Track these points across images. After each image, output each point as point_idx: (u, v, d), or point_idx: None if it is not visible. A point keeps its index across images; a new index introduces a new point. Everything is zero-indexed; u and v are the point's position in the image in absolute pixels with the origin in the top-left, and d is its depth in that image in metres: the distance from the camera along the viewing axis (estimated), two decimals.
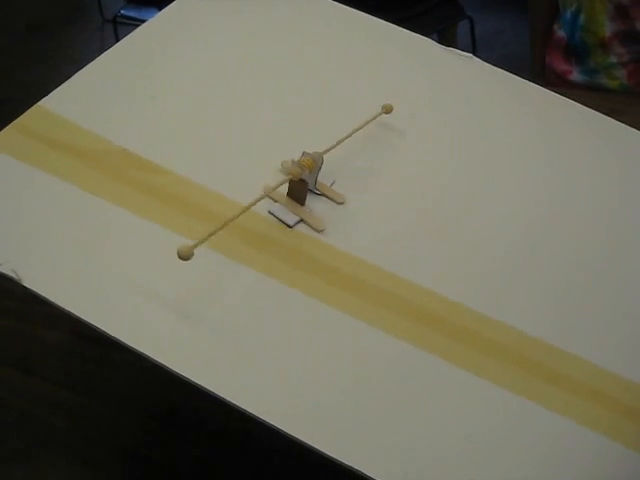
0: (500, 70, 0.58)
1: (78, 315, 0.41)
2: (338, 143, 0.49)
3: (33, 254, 0.43)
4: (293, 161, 0.47)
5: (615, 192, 0.52)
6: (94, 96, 0.52)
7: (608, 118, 0.56)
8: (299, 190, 0.48)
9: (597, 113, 0.56)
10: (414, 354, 0.42)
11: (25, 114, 0.50)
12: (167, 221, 0.46)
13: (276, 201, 0.48)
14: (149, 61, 0.55)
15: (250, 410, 0.38)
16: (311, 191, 0.48)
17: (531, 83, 0.58)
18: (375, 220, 0.49)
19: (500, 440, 0.40)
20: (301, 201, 0.48)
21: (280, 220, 0.47)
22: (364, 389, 0.41)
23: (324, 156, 0.48)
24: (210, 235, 0.41)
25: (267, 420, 0.38)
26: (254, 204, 0.44)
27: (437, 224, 0.49)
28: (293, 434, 0.38)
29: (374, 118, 0.52)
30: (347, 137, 0.50)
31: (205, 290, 0.43)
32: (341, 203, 0.48)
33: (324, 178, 0.49)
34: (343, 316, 0.43)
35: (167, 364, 0.40)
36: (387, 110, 0.53)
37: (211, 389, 0.39)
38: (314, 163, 0.47)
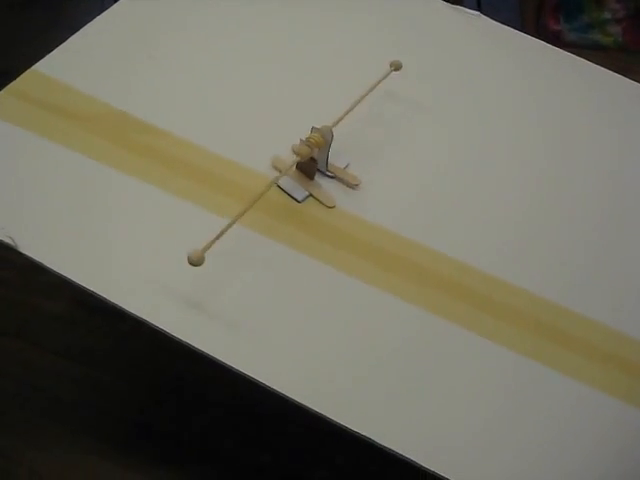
0: (507, 28, 0.57)
1: (77, 282, 0.40)
2: (346, 113, 0.47)
3: (30, 221, 0.42)
4: (301, 140, 0.44)
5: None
6: (90, 59, 0.50)
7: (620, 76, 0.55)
8: (309, 167, 0.46)
9: (608, 71, 0.55)
10: (429, 320, 0.41)
11: (20, 78, 0.48)
12: (167, 184, 0.45)
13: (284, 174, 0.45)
14: (147, 22, 0.53)
15: (262, 380, 0.37)
16: (323, 173, 0.46)
17: (541, 42, 0.56)
18: (390, 189, 0.47)
19: (517, 407, 0.39)
20: (311, 175, 0.46)
21: (289, 195, 0.45)
22: (380, 356, 0.40)
23: (334, 129, 0.45)
24: (220, 235, 0.39)
25: (279, 390, 0.37)
26: (265, 191, 0.42)
27: (452, 190, 0.47)
28: (304, 403, 0.37)
29: (384, 77, 0.50)
30: (357, 103, 0.48)
31: (211, 254, 0.42)
32: (356, 185, 0.46)
33: (337, 159, 0.46)
34: (357, 282, 0.42)
35: (173, 333, 0.39)
36: (396, 67, 0.51)
37: (218, 357, 0.38)
38: (323, 139, 0.44)
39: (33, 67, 0.49)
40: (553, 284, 0.43)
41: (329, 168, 0.46)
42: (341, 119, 0.46)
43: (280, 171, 0.45)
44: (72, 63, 0.50)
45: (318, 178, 0.46)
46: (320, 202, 0.45)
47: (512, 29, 0.57)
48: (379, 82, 0.49)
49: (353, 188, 0.46)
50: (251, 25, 0.55)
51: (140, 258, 0.42)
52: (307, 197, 0.45)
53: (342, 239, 0.44)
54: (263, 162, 0.46)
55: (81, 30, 0.51)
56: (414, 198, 0.47)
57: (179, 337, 0.38)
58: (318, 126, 0.44)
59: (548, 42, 0.57)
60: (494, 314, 0.42)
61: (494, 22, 0.57)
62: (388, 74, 0.50)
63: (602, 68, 0.55)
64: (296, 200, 0.45)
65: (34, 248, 0.41)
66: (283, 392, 0.37)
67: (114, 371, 0.54)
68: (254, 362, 0.38)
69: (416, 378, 0.39)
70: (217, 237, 0.39)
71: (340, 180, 0.46)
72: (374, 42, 0.55)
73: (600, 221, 0.47)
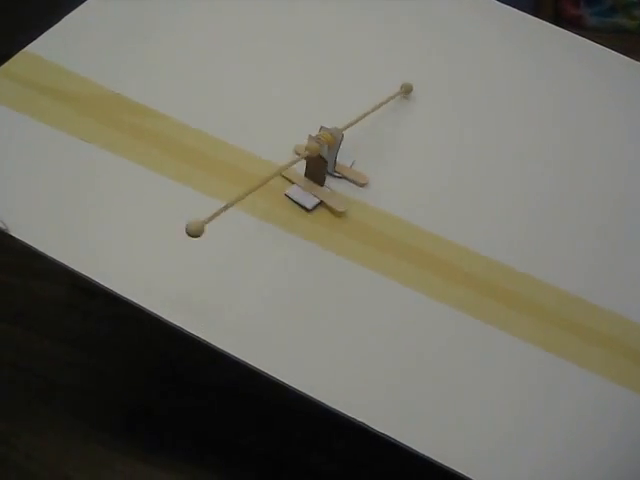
0: (515, 11, 0.55)
1: (69, 266, 0.40)
2: (358, 119, 0.45)
3: (22, 204, 0.42)
4: (310, 136, 0.43)
5: None
6: (84, 40, 0.50)
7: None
8: (318, 168, 0.44)
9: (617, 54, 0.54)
10: (451, 315, 0.40)
11: (12, 60, 0.48)
12: (163, 167, 0.44)
13: (292, 182, 0.44)
14: (143, 3, 0.52)
15: (266, 370, 0.37)
16: (330, 174, 0.45)
17: (552, 25, 0.55)
18: (400, 186, 0.46)
19: (541, 402, 0.38)
20: (320, 181, 0.44)
21: (297, 203, 0.44)
22: (402, 352, 0.39)
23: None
24: (223, 209, 0.38)
25: (285, 380, 0.37)
26: (270, 178, 0.41)
27: (466, 187, 0.46)
28: (309, 393, 0.36)
29: (392, 97, 0.49)
30: (366, 114, 0.46)
31: (208, 240, 0.42)
32: (364, 184, 0.45)
33: (342, 159, 0.45)
34: (377, 276, 0.41)
35: (168, 318, 0.38)
36: (406, 90, 0.49)
37: (221, 348, 0.37)
38: (333, 138, 0.43)
39: (25, 48, 0.48)
40: (577, 279, 0.42)
41: (336, 168, 0.45)
42: (351, 125, 0.45)
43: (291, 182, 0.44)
44: (65, 45, 0.49)
45: (327, 182, 0.45)
46: (331, 208, 0.43)
47: (521, 12, 0.55)
48: (389, 99, 0.48)
49: (362, 186, 0.45)
50: (254, 8, 0.53)
51: (135, 242, 0.41)
52: (317, 205, 0.44)
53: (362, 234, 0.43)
54: (263, 146, 0.46)
55: (74, 11, 0.50)
56: (427, 192, 0.46)
57: (173, 323, 0.38)
58: (328, 126, 0.43)
59: (566, 27, 0.56)
60: (518, 308, 0.41)
61: (502, 5, 0.55)
62: (397, 94, 0.49)
63: (615, 52, 0.53)
64: (305, 209, 0.43)
65: (26, 232, 0.40)
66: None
67: (112, 356, 0.54)
68: (256, 352, 0.38)
69: (439, 373, 0.39)
70: (217, 213, 0.37)
71: (348, 179, 0.45)
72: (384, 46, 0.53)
73: (618, 211, 0.46)
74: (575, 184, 0.47)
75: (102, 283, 0.39)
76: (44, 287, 0.58)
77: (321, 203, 0.44)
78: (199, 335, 0.38)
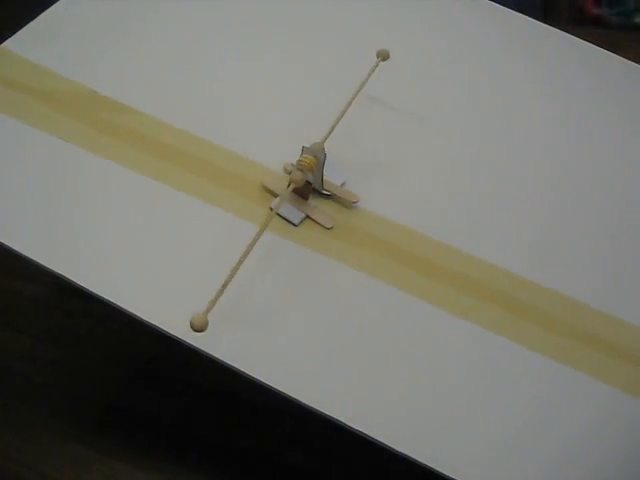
0: (508, 10, 0.55)
1: (46, 266, 0.39)
2: (336, 122, 0.44)
3: None
4: (292, 165, 0.42)
5: None
6: (60, 36, 0.49)
7: None
8: (304, 189, 0.43)
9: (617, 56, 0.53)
10: (451, 322, 0.40)
11: None
12: (140, 164, 0.44)
13: (276, 195, 0.43)
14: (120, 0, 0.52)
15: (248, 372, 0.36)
16: (319, 192, 0.44)
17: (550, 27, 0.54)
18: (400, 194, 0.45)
19: (547, 411, 0.38)
20: (305, 196, 0.43)
21: (284, 218, 0.43)
22: (396, 359, 0.39)
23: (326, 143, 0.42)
24: (220, 293, 0.36)
25: (263, 380, 0.37)
26: (262, 232, 0.39)
27: (469, 195, 0.45)
28: (289, 394, 0.36)
29: (372, 72, 0.47)
30: (345, 110, 0.44)
31: (184, 237, 0.41)
32: (354, 202, 0.44)
33: (332, 174, 0.43)
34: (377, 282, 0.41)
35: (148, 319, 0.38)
36: (383, 57, 0.47)
37: (200, 347, 0.37)
38: (316, 160, 0.41)
39: (0, 45, 0.48)
40: (586, 287, 0.42)
41: (325, 187, 0.43)
42: (331, 131, 0.43)
43: (275, 195, 0.43)
44: (41, 41, 0.48)
45: (314, 198, 0.44)
46: (318, 224, 0.43)
47: (512, 11, 0.55)
48: (366, 80, 0.46)
49: (351, 207, 0.44)
50: (234, 3, 0.53)
51: (112, 241, 0.41)
52: (304, 219, 0.43)
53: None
54: (243, 143, 0.45)
55: (51, 8, 0.50)
56: (428, 200, 0.45)
57: (154, 324, 0.38)
58: (307, 144, 0.42)
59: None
60: (526, 317, 0.40)
61: (495, 4, 0.55)
62: (376, 66, 0.47)
63: (614, 55, 0.53)
64: (292, 224, 0.42)
65: (2, 231, 0.40)
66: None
67: (92, 355, 0.53)
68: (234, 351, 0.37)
69: (442, 381, 0.38)
70: (218, 295, 0.36)
71: (338, 199, 0.44)
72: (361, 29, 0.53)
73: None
74: (583, 188, 0.46)
75: (78, 282, 0.39)
76: (26, 286, 0.58)
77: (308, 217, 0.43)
78: (177, 335, 0.38)
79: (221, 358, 0.37)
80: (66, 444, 0.48)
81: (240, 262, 0.37)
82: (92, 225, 0.41)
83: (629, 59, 0.52)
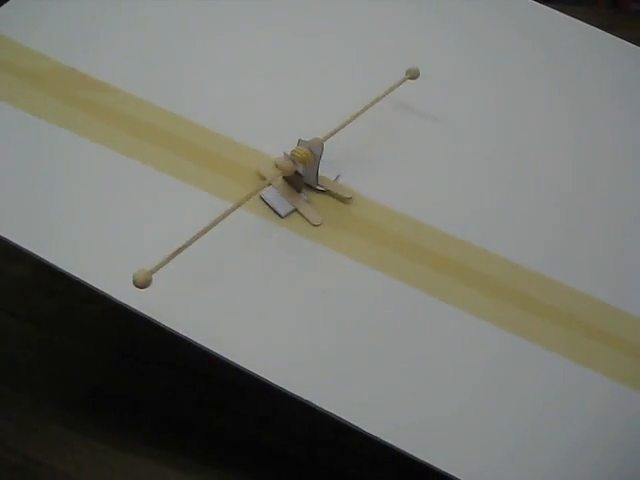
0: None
1: (26, 248, 0.39)
2: (341, 127, 0.43)
3: None
4: (286, 154, 0.41)
5: None
6: (38, 14, 0.48)
7: None
8: (294, 180, 0.42)
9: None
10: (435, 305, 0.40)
11: None
12: (118, 143, 0.43)
13: (269, 183, 0.41)
14: None
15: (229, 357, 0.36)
16: (312, 188, 0.43)
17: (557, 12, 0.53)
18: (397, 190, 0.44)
19: (554, 407, 0.37)
20: (297, 188, 0.42)
21: (271, 208, 0.42)
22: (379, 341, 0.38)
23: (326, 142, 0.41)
24: (171, 257, 0.36)
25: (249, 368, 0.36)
26: (243, 202, 0.39)
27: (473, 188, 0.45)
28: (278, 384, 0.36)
29: (398, 85, 0.45)
30: (357, 115, 0.43)
31: (163, 216, 0.41)
32: (348, 199, 0.43)
33: (327, 170, 0.43)
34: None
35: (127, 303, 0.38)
36: (412, 75, 0.46)
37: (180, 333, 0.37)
38: (311, 155, 0.40)
39: None
40: (593, 279, 0.42)
41: (320, 181, 0.42)
42: (335, 132, 0.42)
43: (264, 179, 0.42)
44: (20, 19, 0.48)
45: (308, 192, 0.43)
46: (305, 219, 0.42)
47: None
48: (386, 93, 0.45)
49: (345, 202, 0.43)
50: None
51: (91, 221, 0.41)
52: (291, 212, 0.42)
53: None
54: (226, 124, 0.45)
55: None
56: (434, 193, 0.44)
57: (133, 308, 0.38)
58: (306, 138, 0.40)
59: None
60: (534, 311, 0.40)
61: None
62: (402, 82, 0.46)
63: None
64: (279, 215, 0.42)
65: None
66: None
67: (75, 336, 0.53)
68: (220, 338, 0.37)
69: (412, 360, 0.38)
70: (168, 259, 0.36)
71: (331, 194, 0.43)
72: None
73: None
74: (593, 182, 0.46)
75: (57, 264, 0.39)
76: (10, 266, 0.58)
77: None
78: (154, 318, 0.37)
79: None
80: (49, 425, 0.48)
81: (204, 231, 0.37)
82: (70, 205, 0.41)
83: None
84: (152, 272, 0.34)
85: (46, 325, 0.54)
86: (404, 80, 0.46)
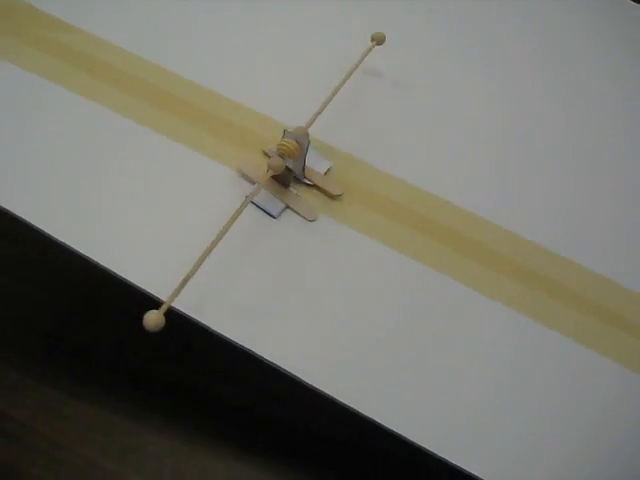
0: None
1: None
2: (323, 107, 0.40)
3: None
4: (271, 151, 0.39)
5: None
6: None
7: None
8: (284, 177, 0.40)
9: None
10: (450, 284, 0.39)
11: None
12: (79, 86, 0.42)
13: (254, 183, 0.40)
14: None
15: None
16: (299, 181, 0.41)
17: None
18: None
19: (570, 395, 0.37)
20: (286, 184, 0.40)
21: (261, 209, 0.40)
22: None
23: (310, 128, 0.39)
24: (175, 294, 0.35)
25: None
26: (241, 210, 0.36)
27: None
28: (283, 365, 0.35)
29: (364, 57, 0.44)
30: (333, 94, 0.41)
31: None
32: (338, 196, 0.41)
33: (316, 162, 0.41)
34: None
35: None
36: (378, 41, 0.45)
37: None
38: (298, 147, 0.38)
39: None
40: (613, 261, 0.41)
41: (306, 174, 0.40)
42: (317, 116, 0.40)
43: (252, 182, 0.40)
44: None
45: (295, 185, 0.41)
46: (300, 215, 0.40)
47: None
48: (356, 66, 0.44)
49: (335, 199, 0.41)
50: None
51: (51, 168, 0.40)
52: (284, 210, 0.40)
53: None
54: (201, 74, 0.44)
55: None
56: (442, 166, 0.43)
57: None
58: (290, 128, 0.38)
59: None
60: (548, 292, 0.39)
61: None
62: (370, 50, 0.45)
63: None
64: (271, 216, 0.40)
65: None
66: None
67: (35, 282, 0.52)
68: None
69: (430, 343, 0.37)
70: (176, 292, 0.34)
71: (320, 189, 0.41)
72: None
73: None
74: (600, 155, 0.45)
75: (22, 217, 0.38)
76: None
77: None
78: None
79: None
80: (3, 371, 0.47)
81: (207, 253, 0.35)
82: (27, 147, 0.40)
83: None
84: (163, 311, 0.34)
85: (7, 272, 0.53)
86: (372, 47, 0.44)
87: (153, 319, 0.33)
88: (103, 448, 0.45)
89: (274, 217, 0.39)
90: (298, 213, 0.40)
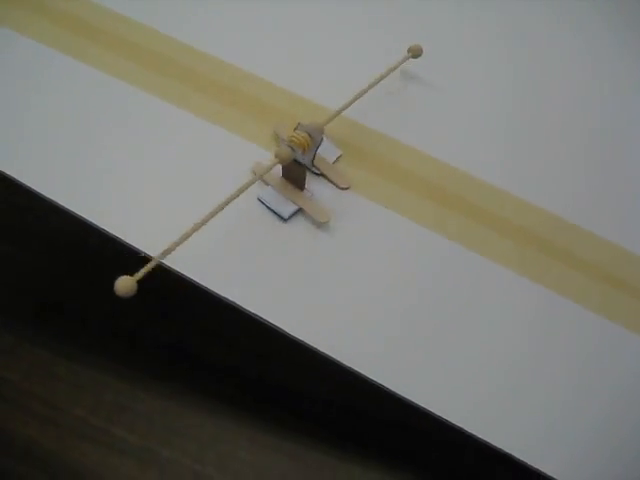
0: None
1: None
2: (344, 108, 0.40)
3: None
4: (282, 140, 0.39)
5: None
6: None
7: None
8: (295, 172, 0.39)
9: None
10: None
11: None
12: (73, 49, 0.42)
13: (267, 183, 0.39)
14: None
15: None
16: (308, 169, 0.40)
17: None
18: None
19: (591, 368, 0.37)
20: (300, 185, 0.39)
21: (271, 210, 0.39)
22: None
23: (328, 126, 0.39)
24: (156, 262, 0.34)
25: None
26: (244, 189, 0.35)
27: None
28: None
29: (399, 64, 0.44)
30: (357, 98, 0.40)
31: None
32: (345, 189, 0.40)
33: (327, 151, 0.40)
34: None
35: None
36: (414, 53, 0.44)
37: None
38: (311, 140, 0.37)
39: None
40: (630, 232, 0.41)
41: (315, 163, 0.39)
42: (337, 115, 0.39)
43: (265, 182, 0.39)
44: None
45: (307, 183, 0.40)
46: (312, 217, 0.39)
47: None
48: (393, 69, 0.43)
49: (343, 190, 0.40)
50: None
51: (53, 133, 0.40)
52: (295, 212, 0.39)
53: None
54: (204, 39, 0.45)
55: None
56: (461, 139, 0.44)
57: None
58: (306, 121, 0.37)
59: None
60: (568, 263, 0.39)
61: None
62: (404, 61, 0.44)
63: None
64: (282, 218, 0.39)
65: None
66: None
67: (30, 248, 0.53)
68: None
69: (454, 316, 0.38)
70: (151, 266, 0.34)
71: (328, 179, 0.40)
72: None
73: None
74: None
75: (21, 180, 0.39)
76: None
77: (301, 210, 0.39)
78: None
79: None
80: (4, 338, 0.48)
81: (203, 222, 0.35)
82: (33, 116, 0.41)
83: None
84: (137, 279, 0.33)
85: (4, 238, 0.53)
86: (407, 59, 0.44)
87: (123, 284, 0.32)
88: (95, 407, 0.46)
89: (285, 219, 0.39)
90: (310, 215, 0.39)
